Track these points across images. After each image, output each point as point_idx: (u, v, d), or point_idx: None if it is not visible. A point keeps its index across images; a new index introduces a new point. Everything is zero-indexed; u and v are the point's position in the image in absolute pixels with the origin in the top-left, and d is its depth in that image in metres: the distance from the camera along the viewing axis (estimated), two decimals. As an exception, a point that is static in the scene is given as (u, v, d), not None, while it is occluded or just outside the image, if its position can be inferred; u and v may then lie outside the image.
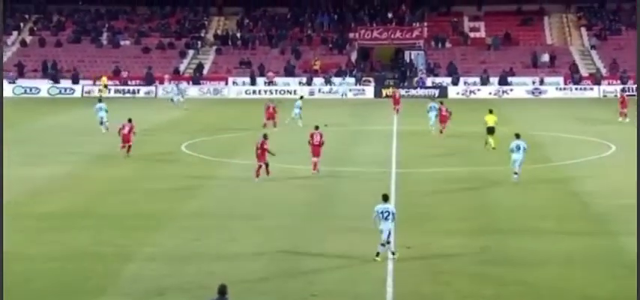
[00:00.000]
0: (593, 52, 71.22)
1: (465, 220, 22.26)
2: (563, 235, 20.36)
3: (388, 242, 18.49)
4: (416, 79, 68.24)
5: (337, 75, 69.11)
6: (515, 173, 27.94)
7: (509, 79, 67.18)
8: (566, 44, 73.16)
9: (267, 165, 28.17)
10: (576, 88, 65.57)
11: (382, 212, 18.57)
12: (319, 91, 66.91)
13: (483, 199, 25.20)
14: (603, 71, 68.00)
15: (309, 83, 67.98)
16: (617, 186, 26.80)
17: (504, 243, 19.73)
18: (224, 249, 19.64)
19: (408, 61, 70.57)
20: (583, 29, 74.24)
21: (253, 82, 68.18)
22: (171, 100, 57.20)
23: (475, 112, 52.36)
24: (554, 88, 65.87)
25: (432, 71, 69.42)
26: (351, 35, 73.96)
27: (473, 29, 75.47)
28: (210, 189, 27.14)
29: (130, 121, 34.81)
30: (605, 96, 63.88)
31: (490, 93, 65.72)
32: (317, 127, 30.82)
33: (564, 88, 65.83)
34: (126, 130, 34.34)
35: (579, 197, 25.08)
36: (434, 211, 23.61)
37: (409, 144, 38.31)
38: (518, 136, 28.96)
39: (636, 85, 49.00)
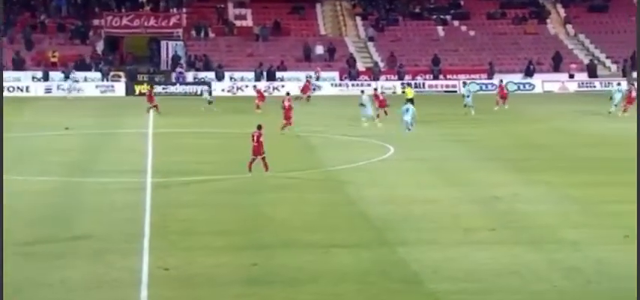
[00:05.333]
0: (371, 45, 74.70)
1: (231, 235, 22.61)
2: (337, 247, 21.23)
3: None
4: (174, 74, 68.13)
5: (79, 68, 67.37)
6: (408, 129, 41.30)
7: (281, 74, 68.85)
8: (342, 35, 76.15)
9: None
10: (353, 84, 68.44)
11: None
12: (58, 87, 65.02)
13: (251, 210, 25.69)
14: (381, 65, 71.50)
15: (45, 78, 65.82)
16: (395, 191, 28.32)
17: (273, 259, 20.25)
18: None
19: (165, 52, 70.32)
20: (358, 19, 77.64)
21: (-24, 77, 64.90)
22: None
23: (244, 113, 53.17)
24: (329, 84, 68.35)
25: (193, 65, 69.63)
26: (96, 22, 72.46)
27: (239, 17, 76.57)
28: None
29: (288, 93, 45.70)
30: (383, 92, 67.07)
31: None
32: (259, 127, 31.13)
33: (340, 84, 68.54)
34: (286, 104, 42.47)
35: (355, 205, 26.24)
36: (196, 225, 23.76)
37: (168, 149, 38.20)
38: (411, 101, 44.18)
39: (636, 82, 53.53)
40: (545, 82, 69.39)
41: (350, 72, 69.64)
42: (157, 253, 20.53)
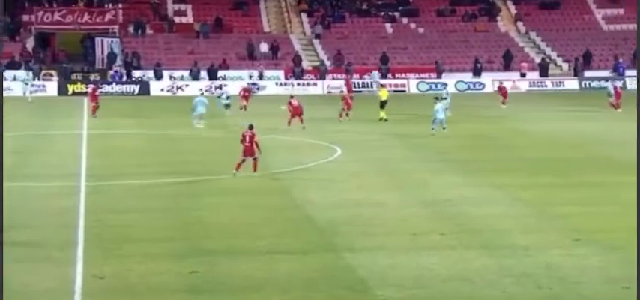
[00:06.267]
0: (317, 42, 74.89)
1: (171, 241, 22.54)
2: (283, 254, 21.28)
3: None
4: (111, 72, 67.62)
5: (9, 67, 66.50)
6: (444, 128, 42.20)
7: (223, 72, 68.69)
8: (287, 33, 76.23)
9: None
10: (298, 83, 68.59)
11: None
12: (-12, 87, 64.16)
13: (192, 215, 25.64)
14: (328, 64, 71.72)
15: (-27, 77, 64.84)
16: (342, 195, 28.47)
17: (215, 266, 20.24)
18: None
19: (100, 50, 69.73)
20: (304, 16, 77.78)
21: None
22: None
23: (185, 113, 53.10)
24: (273, 83, 68.39)
25: (130, 63, 69.16)
26: (26, 18, 71.56)
27: (178, 13, 76.26)
28: None
29: (292, 96, 47.21)
30: (330, 92, 67.41)
31: (201, 89, 66.82)
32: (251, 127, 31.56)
33: (285, 83, 68.61)
34: (295, 103, 44.68)
35: (302, 209, 26.32)
36: (133, 231, 23.65)
37: (103, 151, 37.97)
38: (437, 98, 44.21)
39: (636, 83, 54.47)
40: (495, 81, 70.09)
41: (294, 71, 69.78)
42: (91, 260, 20.39)
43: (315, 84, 68.65)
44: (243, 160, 31.14)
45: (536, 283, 18.81)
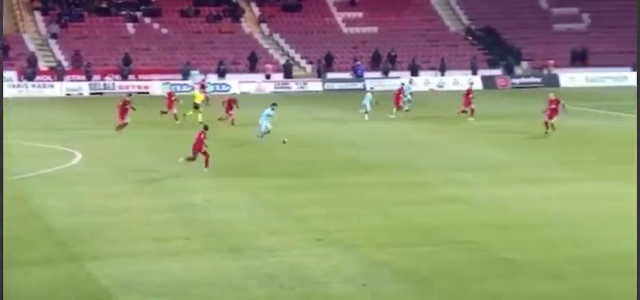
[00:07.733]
0: (53, 42, 73.15)
1: None
2: (19, 266, 20.67)
3: None
4: None
5: None
6: (261, 137, 41.18)
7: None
8: (19, 31, 73.94)
9: None
10: (33, 85, 66.80)
11: None
12: None
13: None
14: (65, 64, 70.27)
15: None
16: (84, 201, 28.17)
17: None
18: None
19: None
20: (38, 14, 75.74)
21: None
22: None
23: None
24: (6, 84, 66.17)
25: None
26: None
27: None
28: None
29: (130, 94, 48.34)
30: (69, 94, 66.14)
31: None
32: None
33: (19, 85, 66.60)
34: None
35: (39, 218, 25.82)
36: None
37: None
38: (273, 105, 42.65)
39: (637, 83, 54.14)
40: (241, 83, 71.39)
41: (26, 72, 67.86)
42: None
43: (51, 86, 67.07)
44: (200, 156, 32.95)
45: (279, 284, 19.53)
